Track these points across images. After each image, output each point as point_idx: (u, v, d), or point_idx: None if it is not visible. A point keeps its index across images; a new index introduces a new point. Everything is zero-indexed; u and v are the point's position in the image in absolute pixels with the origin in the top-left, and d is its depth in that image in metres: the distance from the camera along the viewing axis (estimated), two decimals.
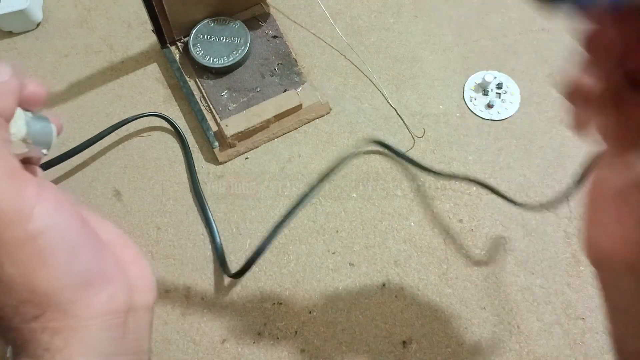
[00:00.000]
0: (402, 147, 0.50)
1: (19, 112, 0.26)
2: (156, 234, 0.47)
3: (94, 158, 0.49)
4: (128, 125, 0.49)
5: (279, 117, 0.49)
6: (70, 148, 0.48)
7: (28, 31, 0.56)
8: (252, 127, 0.48)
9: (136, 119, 0.49)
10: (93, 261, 0.23)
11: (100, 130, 0.48)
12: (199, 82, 0.51)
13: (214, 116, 0.50)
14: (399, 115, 0.51)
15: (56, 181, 0.49)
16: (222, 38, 0.52)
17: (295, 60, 0.53)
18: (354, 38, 0.55)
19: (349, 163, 0.49)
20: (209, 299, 0.44)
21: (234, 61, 0.51)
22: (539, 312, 0.43)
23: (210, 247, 0.46)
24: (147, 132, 0.51)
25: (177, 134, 0.50)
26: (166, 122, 0.50)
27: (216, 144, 0.49)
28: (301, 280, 0.45)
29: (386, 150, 0.49)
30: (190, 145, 0.50)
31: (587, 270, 0.44)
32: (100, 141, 0.48)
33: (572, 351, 0.41)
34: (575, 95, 0.23)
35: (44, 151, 0.27)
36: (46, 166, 0.46)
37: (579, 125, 0.24)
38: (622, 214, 0.21)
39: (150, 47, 0.55)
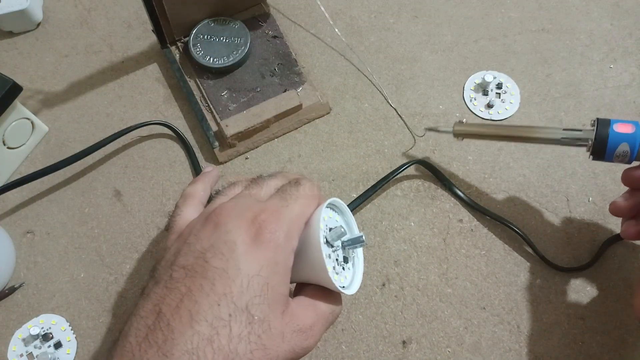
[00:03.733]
0: (402, 147, 0.50)
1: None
2: (156, 234, 0.47)
3: (93, 158, 0.49)
4: (129, 126, 0.49)
5: (279, 117, 0.49)
6: (70, 151, 0.48)
7: (28, 31, 0.56)
8: (252, 127, 0.48)
9: (142, 126, 0.49)
10: None
11: (102, 138, 0.48)
12: (199, 82, 0.51)
13: (214, 116, 0.50)
14: (399, 115, 0.51)
15: (56, 182, 0.49)
16: (222, 38, 0.52)
17: (295, 61, 0.53)
18: (354, 38, 0.55)
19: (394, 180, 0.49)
20: None
21: (234, 61, 0.51)
22: (538, 312, 0.43)
23: None
24: (147, 133, 0.51)
25: (182, 141, 0.50)
26: (169, 129, 0.50)
27: (216, 144, 0.49)
28: None
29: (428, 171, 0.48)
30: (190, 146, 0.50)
31: (587, 271, 0.44)
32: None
33: (571, 351, 0.42)
34: (615, 212, 0.41)
35: None
36: (48, 171, 0.46)
37: (623, 233, 0.41)
38: None
39: (150, 47, 0.55)
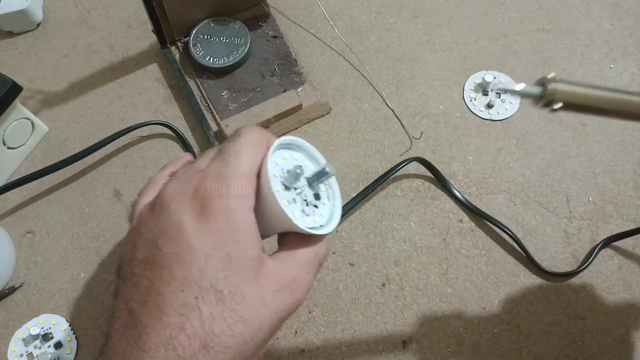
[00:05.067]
0: (402, 147, 0.50)
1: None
2: None
3: (93, 158, 0.49)
4: (129, 126, 0.49)
5: (279, 117, 0.49)
6: (70, 151, 0.48)
7: (28, 31, 0.56)
8: None
9: (142, 126, 0.49)
10: None
11: (102, 137, 0.48)
12: (199, 82, 0.51)
13: (214, 116, 0.50)
14: (397, 117, 0.51)
15: (56, 182, 0.49)
16: (222, 38, 0.52)
17: (295, 61, 0.53)
18: (354, 38, 0.55)
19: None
20: None
21: (234, 61, 0.51)
22: (538, 312, 0.43)
23: None
24: (147, 133, 0.51)
25: (182, 141, 0.50)
26: (169, 129, 0.50)
27: (216, 143, 0.49)
28: None
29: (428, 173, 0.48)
30: (190, 146, 0.50)
31: (587, 271, 0.44)
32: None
33: (571, 351, 0.42)
34: None
35: None
36: (48, 171, 0.46)
37: None
38: None
39: (151, 47, 0.55)
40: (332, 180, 0.32)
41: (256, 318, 0.26)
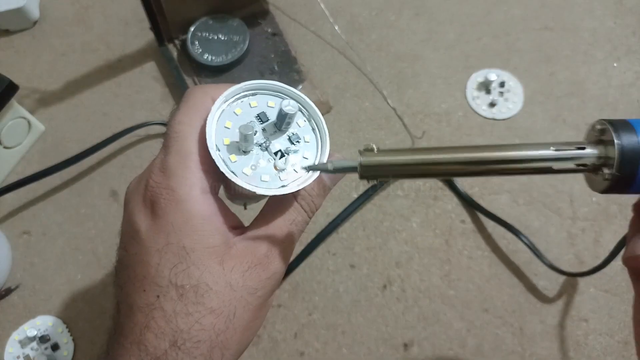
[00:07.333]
0: (403, 147, 0.49)
1: None
2: None
3: (90, 158, 0.49)
4: (126, 128, 0.49)
5: None
6: (67, 150, 0.47)
7: (25, 29, 0.56)
8: None
9: (138, 127, 0.49)
10: None
11: (99, 137, 0.48)
12: (197, 81, 0.51)
13: None
14: (399, 116, 0.50)
15: (53, 183, 0.48)
16: (220, 36, 0.51)
17: (295, 59, 0.52)
18: (355, 36, 0.55)
19: None
20: None
21: (233, 59, 0.50)
22: (541, 314, 0.42)
23: None
24: (145, 133, 0.50)
25: None
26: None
27: None
28: (301, 282, 0.44)
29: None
30: None
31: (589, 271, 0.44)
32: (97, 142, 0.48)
33: (575, 353, 0.41)
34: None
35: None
36: (45, 173, 0.46)
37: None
38: None
39: (148, 45, 0.54)
40: (312, 110, 0.27)
41: (226, 306, 0.25)
